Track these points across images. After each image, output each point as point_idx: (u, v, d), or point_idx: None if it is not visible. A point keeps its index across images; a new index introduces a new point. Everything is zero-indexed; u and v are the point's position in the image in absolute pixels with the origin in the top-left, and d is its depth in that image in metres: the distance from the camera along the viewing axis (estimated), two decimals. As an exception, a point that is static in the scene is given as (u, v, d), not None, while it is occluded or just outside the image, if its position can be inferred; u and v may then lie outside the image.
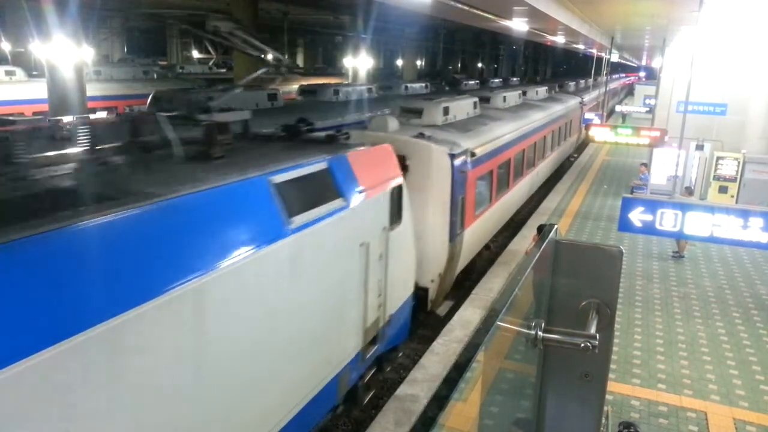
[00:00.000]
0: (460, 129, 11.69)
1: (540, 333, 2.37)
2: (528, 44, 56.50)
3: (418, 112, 11.77)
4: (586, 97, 30.55)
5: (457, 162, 9.91)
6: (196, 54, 53.52)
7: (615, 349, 8.45)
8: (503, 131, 13.59)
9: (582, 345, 2.20)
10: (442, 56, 51.43)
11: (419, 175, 9.56)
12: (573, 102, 25.66)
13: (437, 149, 9.74)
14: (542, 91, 23.13)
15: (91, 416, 3.49)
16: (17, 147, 4.53)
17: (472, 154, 10.70)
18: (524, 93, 20.44)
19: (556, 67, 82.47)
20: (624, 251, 2.55)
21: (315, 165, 6.16)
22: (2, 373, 2.97)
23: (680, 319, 9.85)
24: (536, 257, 2.22)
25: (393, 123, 10.47)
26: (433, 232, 9.74)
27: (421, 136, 10.02)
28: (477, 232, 11.64)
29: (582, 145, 29.73)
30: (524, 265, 2.16)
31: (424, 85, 27.80)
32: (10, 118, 10.94)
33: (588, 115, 27.89)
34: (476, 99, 14.39)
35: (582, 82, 38.34)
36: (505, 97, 17.31)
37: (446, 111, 12.16)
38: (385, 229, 7.42)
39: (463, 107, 13.27)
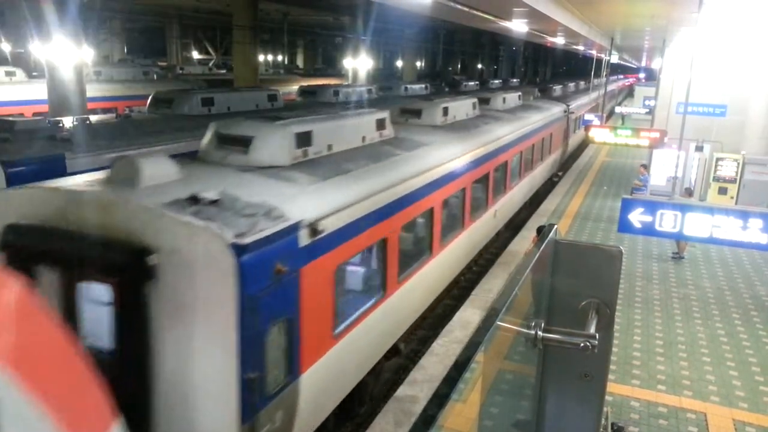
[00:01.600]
0: (324, 173, 6.65)
1: (540, 333, 2.37)
2: (528, 45, 56.62)
3: (244, 143, 6.68)
4: (575, 103, 26.17)
5: (257, 256, 4.91)
6: (196, 55, 53.60)
7: (615, 350, 8.45)
8: (421, 167, 8.58)
9: (581, 345, 2.21)
10: (441, 57, 51.49)
11: (176, 284, 4.78)
12: (555, 110, 20.88)
13: (207, 235, 4.72)
14: (512, 98, 17.89)
15: None
16: None
17: (314, 231, 5.73)
18: (486, 101, 16.07)
19: (556, 68, 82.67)
20: (623, 252, 2.55)
21: None
22: None
23: (680, 320, 9.85)
24: (536, 257, 2.22)
25: (153, 170, 5.50)
26: (203, 407, 4.88)
27: (190, 203, 5.04)
28: (345, 360, 6.60)
29: (569, 161, 26.03)
30: (524, 265, 2.17)
31: (424, 86, 27.84)
32: (10, 118, 10.94)
33: (588, 116, 27.60)
34: (383, 116, 9.08)
35: (572, 85, 33.79)
36: (445, 110, 11.95)
37: (305, 140, 6.98)
38: None
39: (349, 131, 8.07)
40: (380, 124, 9.03)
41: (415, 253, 8.79)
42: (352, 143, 8.17)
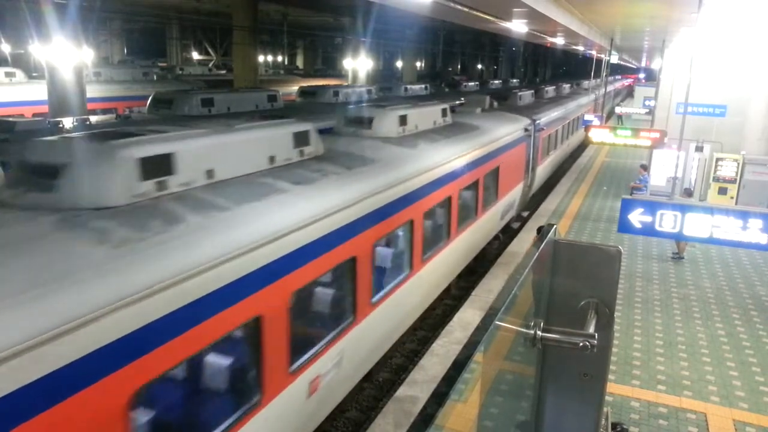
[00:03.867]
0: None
1: (539, 332, 2.37)
2: (527, 46, 56.68)
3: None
4: (548, 116, 19.29)
5: None
6: (195, 56, 53.61)
7: (615, 350, 8.46)
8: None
9: (581, 344, 2.21)
10: (441, 58, 51.54)
11: None
12: (509, 130, 14.02)
13: None
14: (425, 115, 10.71)
15: None
16: None
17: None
18: (364, 123, 9.30)
19: (556, 68, 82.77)
20: (623, 252, 2.56)
21: None
22: None
23: (680, 320, 9.85)
24: (535, 257, 2.22)
25: None
26: None
27: None
28: None
29: (541, 195, 19.47)
30: (523, 264, 2.17)
31: (423, 86, 27.84)
32: (10, 119, 10.95)
33: (588, 117, 27.17)
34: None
35: (550, 89, 25.84)
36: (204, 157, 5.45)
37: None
38: None
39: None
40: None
41: None
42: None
